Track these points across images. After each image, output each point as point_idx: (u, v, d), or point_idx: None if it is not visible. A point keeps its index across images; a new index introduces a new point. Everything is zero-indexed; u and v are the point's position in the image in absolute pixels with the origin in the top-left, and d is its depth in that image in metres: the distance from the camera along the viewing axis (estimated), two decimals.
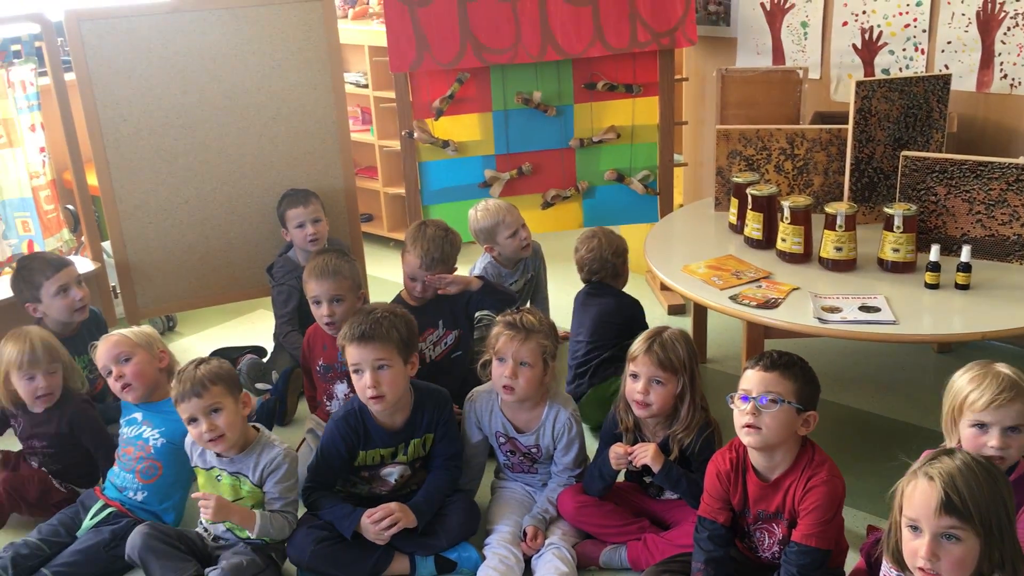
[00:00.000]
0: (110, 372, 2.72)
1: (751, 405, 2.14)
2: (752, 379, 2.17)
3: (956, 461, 1.69)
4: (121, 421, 2.80)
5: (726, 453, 2.31)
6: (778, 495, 2.22)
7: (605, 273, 3.30)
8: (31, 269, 3.18)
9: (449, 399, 2.72)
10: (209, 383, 2.44)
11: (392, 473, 2.67)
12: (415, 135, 3.81)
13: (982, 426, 2.04)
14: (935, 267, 2.75)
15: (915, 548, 1.70)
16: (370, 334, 2.51)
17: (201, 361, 2.52)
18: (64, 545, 2.61)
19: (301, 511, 2.64)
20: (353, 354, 2.53)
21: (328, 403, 3.10)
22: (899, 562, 1.77)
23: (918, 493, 1.69)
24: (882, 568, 1.89)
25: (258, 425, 2.61)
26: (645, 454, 2.48)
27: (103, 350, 2.74)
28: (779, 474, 2.23)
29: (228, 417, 2.46)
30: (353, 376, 2.56)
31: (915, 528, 1.71)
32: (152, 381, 2.74)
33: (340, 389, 3.06)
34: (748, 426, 2.15)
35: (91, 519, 2.66)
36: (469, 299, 3.20)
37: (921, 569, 1.69)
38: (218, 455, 2.54)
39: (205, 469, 2.57)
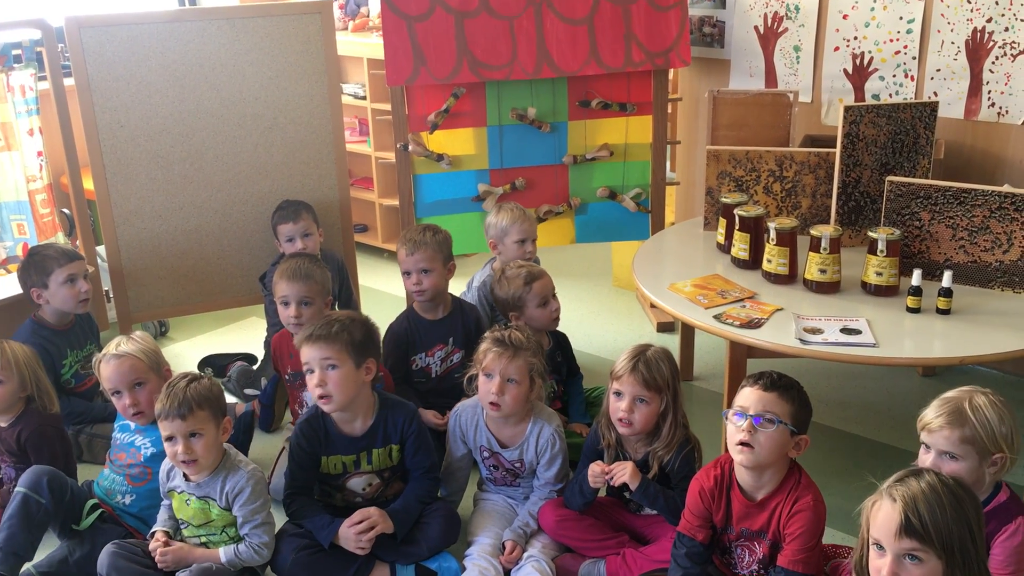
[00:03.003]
0: (118, 393, 2.67)
1: (747, 422, 2.16)
2: (750, 397, 2.19)
3: (922, 483, 1.71)
4: (115, 425, 2.81)
5: (711, 470, 2.33)
6: (764, 514, 2.25)
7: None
8: (44, 256, 3.22)
9: (416, 413, 2.72)
10: (196, 406, 2.42)
11: (359, 484, 2.69)
12: (410, 148, 3.85)
13: (927, 446, 2.12)
14: (917, 291, 2.79)
15: (879, 567, 1.73)
16: (319, 334, 2.55)
17: (193, 378, 2.49)
18: (75, 508, 2.63)
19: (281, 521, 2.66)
20: (305, 354, 2.57)
21: (300, 411, 3.13)
22: None
23: (881, 514, 1.73)
24: None
25: (226, 445, 2.57)
26: (623, 473, 2.51)
27: (115, 371, 2.66)
28: (765, 494, 2.25)
29: (206, 443, 2.45)
30: (307, 377, 2.59)
31: (879, 547, 1.74)
32: None
33: (308, 396, 3.07)
34: (742, 443, 2.17)
35: (86, 516, 2.67)
36: (478, 320, 3.22)
37: None
38: (186, 478, 2.52)
39: (177, 493, 2.56)
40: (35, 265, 3.22)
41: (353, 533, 2.54)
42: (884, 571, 1.71)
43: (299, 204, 3.68)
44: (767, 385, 2.19)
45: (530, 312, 3.13)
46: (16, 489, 2.54)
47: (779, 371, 2.25)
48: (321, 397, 2.55)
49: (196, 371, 3.74)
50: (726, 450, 2.82)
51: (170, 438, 2.45)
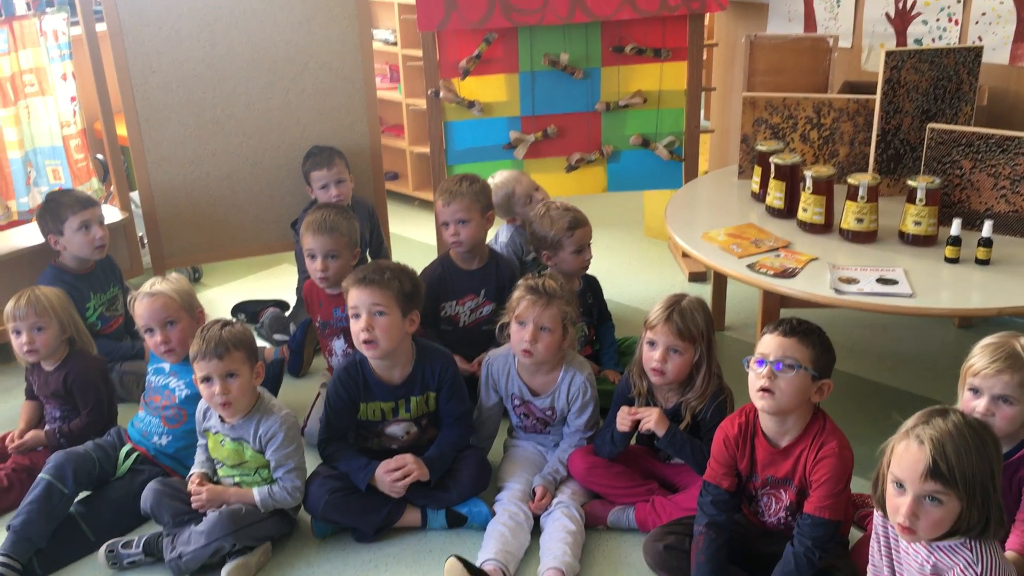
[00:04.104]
0: (151, 331, 2.71)
1: (767, 369, 2.15)
2: (770, 344, 2.18)
3: (948, 424, 1.72)
4: (149, 368, 2.85)
5: (735, 419, 2.32)
6: (788, 461, 2.24)
7: None
8: (59, 203, 3.25)
9: (452, 359, 2.73)
10: (232, 347, 2.46)
11: (397, 431, 2.72)
12: (441, 94, 3.82)
13: (976, 391, 2.10)
14: (956, 241, 2.74)
15: (897, 505, 1.75)
16: (371, 278, 2.55)
17: (226, 323, 2.53)
18: (106, 472, 2.70)
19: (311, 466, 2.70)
20: (353, 296, 2.57)
21: (330, 359, 3.16)
22: (883, 509, 1.83)
23: (908, 455, 1.73)
24: (875, 516, 1.94)
25: (261, 389, 2.60)
26: (650, 419, 2.51)
27: (148, 308, 2.70)
28: (789, 440, 2.24)
29: (242, 385, 2.49)
30: (352, 321, 2.59)
31: (900, 486, 1.75)
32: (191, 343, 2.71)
33: (338, 345, 3.11)
34: (763, 389, 2.16)
35: (123, 461, 2.73)
36: (513, 276, 3.22)
37: (900, 525, 1.75)
38: (221, 420, 2.56)
39: (212, 433, 2.60)
40: (50, 212, 3.26)
41: (389, 480, 2.57)
42: (903, 510, 1.73)
43: (331, 150, 3.66)
44: (787, 331, 2.18)
45: (564, 256, 3.13)
46: (41, 475, 2.58)
47: (800, 318, 2.23)
48: (366, 342, 2.55)
49: (229, 317, 3.79)
50: None
51: (206, 379, 2.47)
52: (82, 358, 2.88)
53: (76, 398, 2.85)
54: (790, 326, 2.19)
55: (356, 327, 2.57)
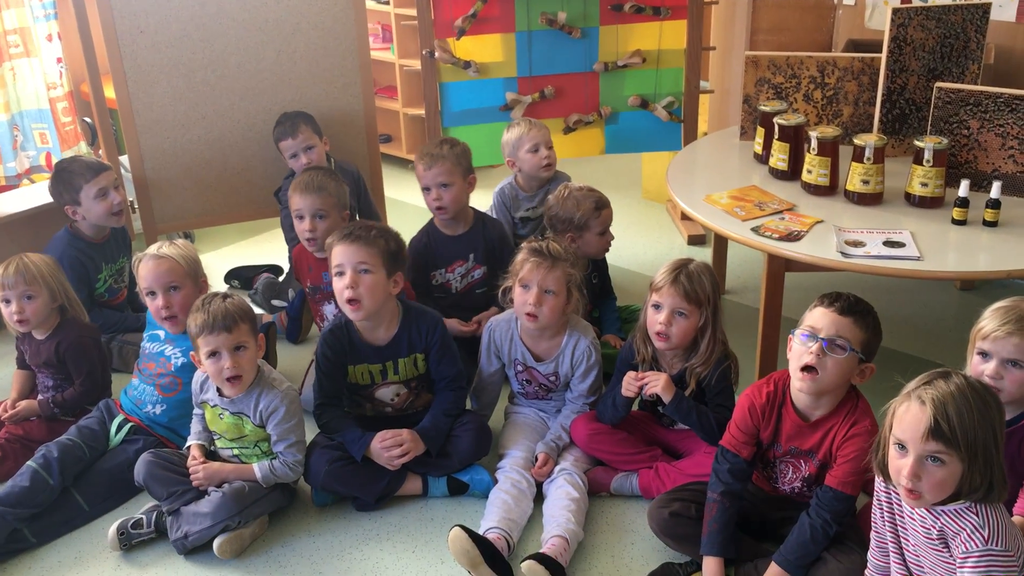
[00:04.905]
0: (152, 294, 2.66)
1: (816, 345, 2.08)
2: (823, 319, 2.10)
3: (950, 386, 1.71)
4: (144, 335, 2.81)
5: (763, 387, 2.27)
6: (816, 434, 2.20)
7: None
8: (71, 172, 3.17)
9: (440, 321, 2.68)
10: (239, 319, 2.40)
11: (387, 393, 2.68)
12: (436, 55, 3.74)
13: (985, 355, 2.08)
14: (963, 203, 2.70)
15: (899, 467, 1.74)
16: (357, 235, 2.50)
17: (227, 295, 2.46)
18: (98, 450, 2.66)
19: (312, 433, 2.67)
20: (338, 254, 2.51)
21: (322, 324, 3.12)
22: (885, 474, 1.82)
23: (909, 416, 1.72)
24: (876, 483, 1.92)
25: (261, 362, 2.54)
26: (656, 383, 2.47)
27: (153, 271, 2.64)
28: (821, 415, 2.20)
29: (250, 357, 2.44)
30: (335, 279, 2.53)
31: (902, 447, 1.74)
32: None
33: (329, 310, 3.08)
34: (807, 369, 2.08)
35: (116, 434, 2.69)
36: (501, 237, 3.16)
37: (904, 488, 1.75)
38: (219, 393, 2.50)
39: (210, 406, 2.56)
40: (63, 182, 3.17)
41: (385, 455, 2.54)
42: (905, 471, 1.73)
43: (296, 116, 3.54)
44: (843, 309, 2.09)
45: (589, 237, 3.08)
46: (28, 463, 2.54)
47: (857, 295, 2.15)
48: (350, 301, 2.49)
49: (224, 283, 3.75)
50: (760, 375, 2.78)
51: (214, 353, 2.41)
52: (74, 326, 2.83)
53: (69, 367, 2.80)
54: (848, 304, 2.10)
55: (340, 285, 2.50)
